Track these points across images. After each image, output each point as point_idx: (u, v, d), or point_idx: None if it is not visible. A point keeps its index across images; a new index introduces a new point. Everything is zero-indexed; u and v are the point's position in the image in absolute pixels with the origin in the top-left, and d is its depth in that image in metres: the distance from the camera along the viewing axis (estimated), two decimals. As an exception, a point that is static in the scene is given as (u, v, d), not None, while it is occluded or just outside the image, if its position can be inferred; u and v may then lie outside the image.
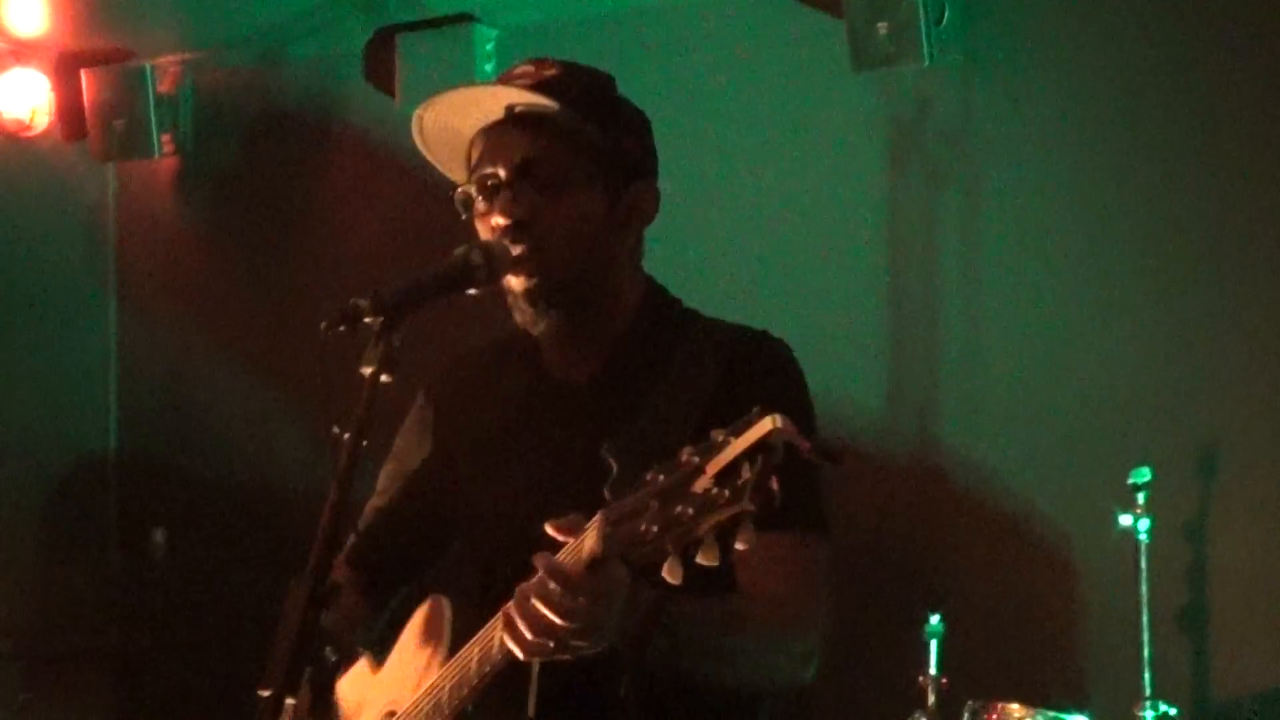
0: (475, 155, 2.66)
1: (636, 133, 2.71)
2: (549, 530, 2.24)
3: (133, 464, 6.69)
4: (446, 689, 2.44)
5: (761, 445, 1.99)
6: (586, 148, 2.61)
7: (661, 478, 2.07)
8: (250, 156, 6.55)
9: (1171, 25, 5.10)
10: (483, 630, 2.38)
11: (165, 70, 6.47)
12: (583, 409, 2.65)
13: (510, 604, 2.26)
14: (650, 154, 2.73)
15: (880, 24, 5.20)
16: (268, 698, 2.14)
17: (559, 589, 2.19)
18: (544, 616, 2.20)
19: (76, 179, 6.71)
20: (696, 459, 2.04)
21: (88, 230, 6.79)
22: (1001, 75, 5.31)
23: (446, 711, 2.42)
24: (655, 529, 2.07)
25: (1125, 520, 4.50)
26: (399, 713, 2.57)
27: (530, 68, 2.66)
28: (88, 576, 6.57)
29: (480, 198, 2.62)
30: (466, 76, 5.69)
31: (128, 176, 6.74)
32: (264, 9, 6.37)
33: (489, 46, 5.89)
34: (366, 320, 2.31)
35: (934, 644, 4.57)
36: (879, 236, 5.46)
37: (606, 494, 2.17)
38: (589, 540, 2.18)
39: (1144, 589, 4.47)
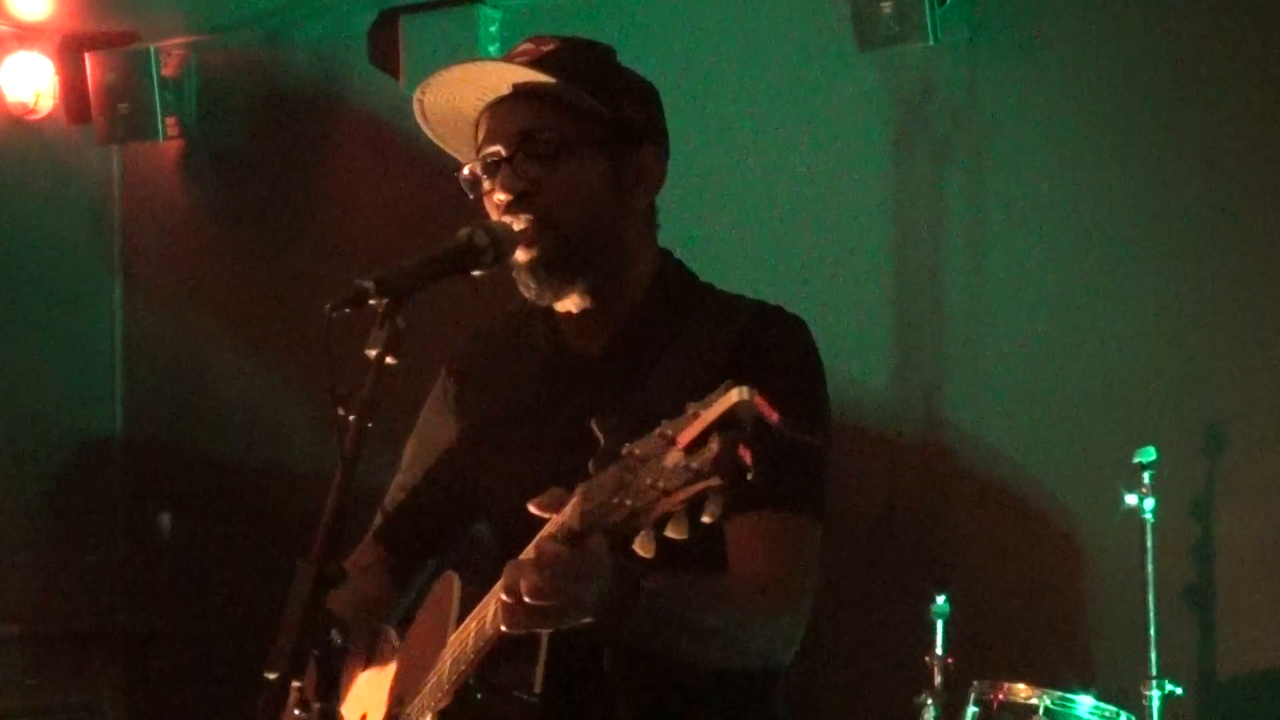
0: (480, 135, 2.67)
1: (639, 99, 2.71)
2: (531, 508, 2.24)
3: (139, 447, 6.70)
4: (447, 663, 2.45)
5: (730, 417, 1.96)
6: (586, 116, 2.61)
7: (637, 451, 2.06)
8: (255, 139, 6.55)
9: (1175, 2, 5.09)
10: (479, 605, 2.39)
11: (170, 53, 6.47)
12: (594, 380, 2.66)
13: (501, 579, 2.26)
14: (655, 120, 2.73)
15: (885, 3, 5.20)
16: (274, 680, 2.14)
17: (540, 564, 2.19)
18: (527, 590, 2.20)
19: (81, 162, 6.71)
20: (669, 431, 2.02)
21: (92, 214, 6.79)
22: (1006, 53, 5.30)
23: (446, 686, 2.42)
24: (629, 502, 2.06)
25: (1131, 500, 4.50)
26: (409, 690, 2.58)
27: (530, 45, 2.67)
28: (94, 559, 6.58)
29: (485, 176, 2.63)
30: (470, 58, 5.68)
31: (132, 160, 6.74)
32: (268, -9, 6.39)
33: (493, 28, 5.88)
34: (371, 302, 2.31)
35: (940, 624, 4.57)
36: (884, 215, 5.45)
37: (590, 467, 2.17)
38: (567, 515, 2.18)
39: (1150, 568, 4.47)
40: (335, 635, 2.20)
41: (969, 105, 5.35)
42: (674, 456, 2.00)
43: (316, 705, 2.23)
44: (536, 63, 2.62)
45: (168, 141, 6.52)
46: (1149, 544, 4.47)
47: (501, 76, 2.63)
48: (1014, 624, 5.08)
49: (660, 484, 2.02)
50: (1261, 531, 4.84)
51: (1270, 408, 4.87)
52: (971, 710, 4.38)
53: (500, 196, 2.59)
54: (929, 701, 4.53)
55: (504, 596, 2.23)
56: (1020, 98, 5.28)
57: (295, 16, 6.39)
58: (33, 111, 6.56)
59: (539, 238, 2.58)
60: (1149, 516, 4.48)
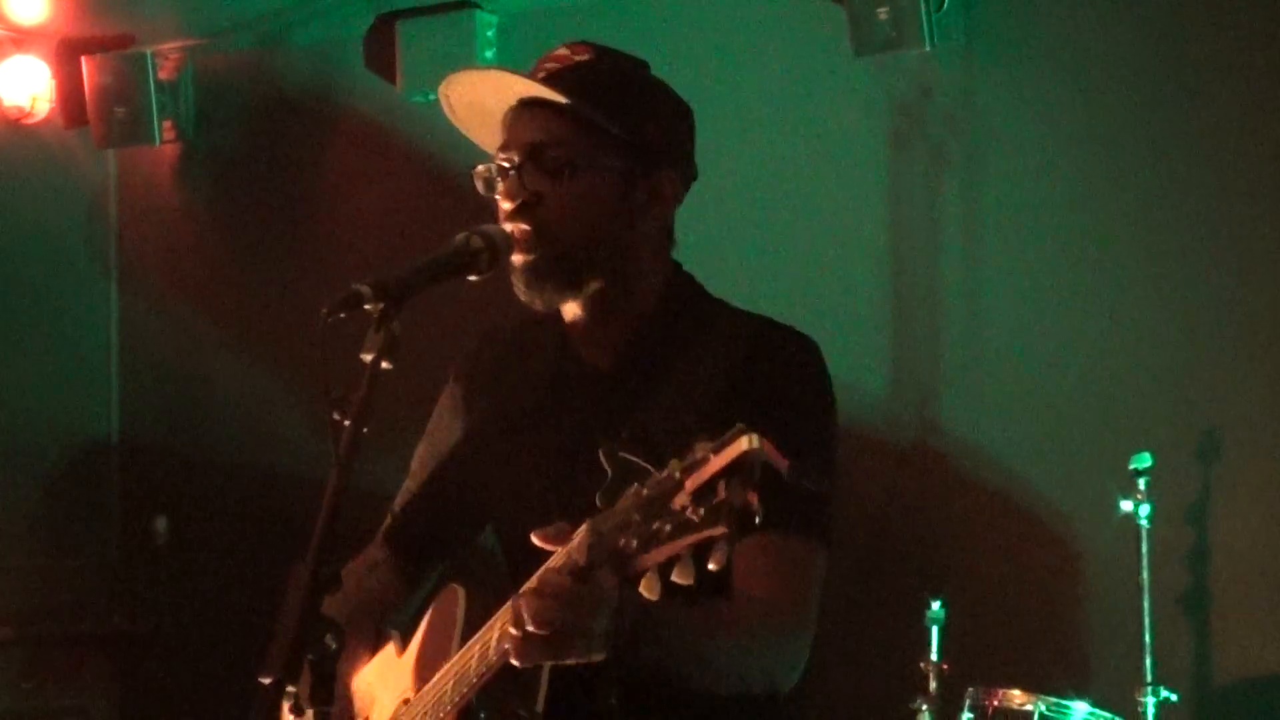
0: (502, 135, 2.67)
1: (664, 122, 2.69)
2: (535, 540, 2.24)
3: (134, 450, 6.70)
4: (450, 684, 2.45)
5: (737, 465, 1.97)
6: (599, 134, 2.60)
7: (645, 490, 2.06)
8: (251, 143, 6.55)
9: (1172, 5, 5.09)
10: (483, 629, 2.39)
11: (166, 57, 6.47)
12: (602, 395, 2.66)
13: (505, 608, 2.26)
14: (679, 144, 2.71)
15: (881, 8, 5.20)
16: (269, 684, 2.14)
17: (547, 598, 2.19)
18: (533, 618, 2.21)
19: (78, 166, 6.70)
20: (678, 473, 2.03)
21: (89, 217, 6.78)
22: (1003, 58, 5.30)
23: (449, 707, 2.43)
24: (635, 543, 2.07)
25: (1126, 506, 4.50)
26: (412, 701, 2.59)
27: (565, 51, 2.66)
28: (90, 562, 6.58)
29: (499, 179, 2.63)
30: (467, 63, 5.68)
31: (129, 163, 6.74)
32: (264, -4, 6.39)
33: (490, 33, 5.88)
34: (367, 306, 2.31)
35: (935, 630, 4.57)
36: (881, 220, 5.46)
37: (598, 500, 2.17)
38: (574, 551, 2.18)
39: (1145, 574, 4.47)
40: (330, 639, 2.20)
41: (965, 110, 5.36)
42: (681, 500, 2.01)
43: (310, 710, 2.23)
44: (557, 76, 2.61)
45: (164, 145, 6.52)
46: (1144, 550, 4.47)
47: (514, 88, 2.63)
48: (1009, 630, 5.08)
49: (667, 528, 2.02)
50: (1257, 538, 4.85)
51: (1266, 414, 4.87)
52: (966, 716, 4.38)
53: (505, 204, 2.60)
54: (924, 707, 4.53)
55: (511, 629, 2.23)
56: (1017, 102, 5.28)
57: (292, 21, 6.40)
58: (29, 115, 6.56)
59: (535, 246, 2.58)
60: (1144, 522, 4.47)
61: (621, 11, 5.71)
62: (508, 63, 5.35)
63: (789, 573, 2.54)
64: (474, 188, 2.68)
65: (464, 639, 2.47)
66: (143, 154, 6.63)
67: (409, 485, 2.91)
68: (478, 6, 5.89)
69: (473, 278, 2.49)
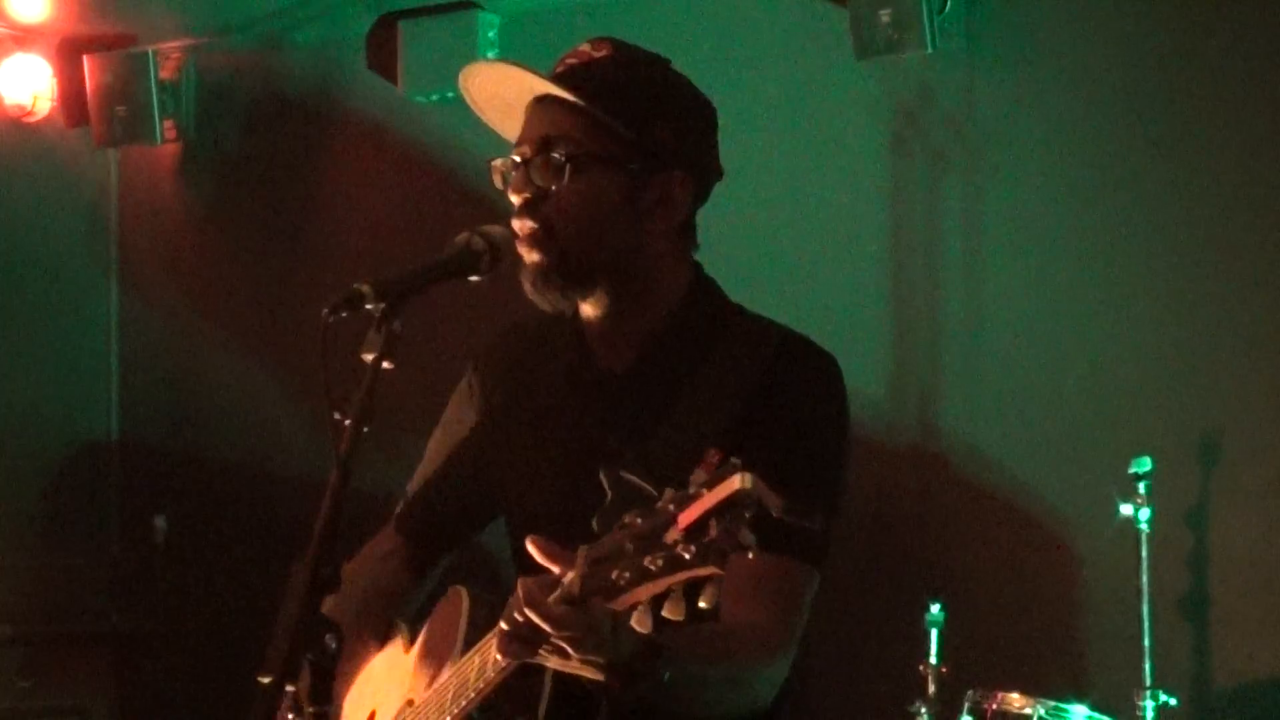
0: (520, 128, 2.68)
1: (679, 123, 2.68)
2: (531, 550, 2.23)
3: (134, 450, 6.70)
4: (450, 693, 2.45)
5: (729, 503, 1.95)
6: (607, 132, 2.60)
7: (639, 521, 2.04)
8: (252, 143, 6.55)
9: (1173, 9, 5.10)
10: (482, 641, 2.38)
11: (167, 56, 6.47)
12: (617, 399, 2.65)
13: (500, 624, 2.25)
14: (694, 146, 2.71)
15: (883, 11, 5.21)
16: (268, 684, 2.14)
17: (539, 623, 2.17)
18: (530, 645, 2.20)
19: (79, 165, 6.70)
20: (672, 506, 2.01)
21: (90, 216, 6.78)
22: (1004, 61, 5.31)
23: (449, 717, 2.43)
24: (626, 576, 2.05)
25: (1126, 509, 4.49)
26: (416, 703, 2.59)
27: (586, 47, 2.67)
28: (89, 562, 6.57)
29: (513, 172, 2.63)
30: (469, 63, 5.68)
31: (130, 162, 6.74)
32: (266, -5, 6.39)
33: (491, 33, 5.88)
34: (368, 306, 2.31)
35: (934, 632, 4.57)
36: (882, 223, 5.46)
37: (594, 524, 2.15)
38: (568, 581, 2.16)
39: (1144, 578, 4.47)
40: (329, 639, 2.20)
41: (967, 113, 5.36)
42: (673, 535, 1.99)
43: (310, 710, 2.22)
44: (571, 73, 2.62)
45: (165, 145, 6.52)
46: (1144, 554, 4.47)
47: (528, 84, 2.63)
48: (1008, 633, 5.08)
49: (659, 563, 2.01)
50: (1256, 542, 4.85)
51: (1265, 417, 4.87)
52: (965, 719, 4.38)
53: (513, 198, 2.61)
54: (923, 710, 4.53)
55: (510, 645, 2.22)
56: (1018, 105, 5.28)
57: (294, 20, 6.40)
58: (30, 114, 6.57)
59: (542, 244, 2.59)
60: (1144, 526, 4.47)
61: (624, 13, 5.71)
62: (509, 63, 5.35)
63: (780, 594, 2.53)
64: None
65: (467, 643, 2.47)
66: (144, 153, 6.63)
67: (422, 472, 2.90)
68: (480, 7, 5.89)
69: (474, 278, 2.49)
